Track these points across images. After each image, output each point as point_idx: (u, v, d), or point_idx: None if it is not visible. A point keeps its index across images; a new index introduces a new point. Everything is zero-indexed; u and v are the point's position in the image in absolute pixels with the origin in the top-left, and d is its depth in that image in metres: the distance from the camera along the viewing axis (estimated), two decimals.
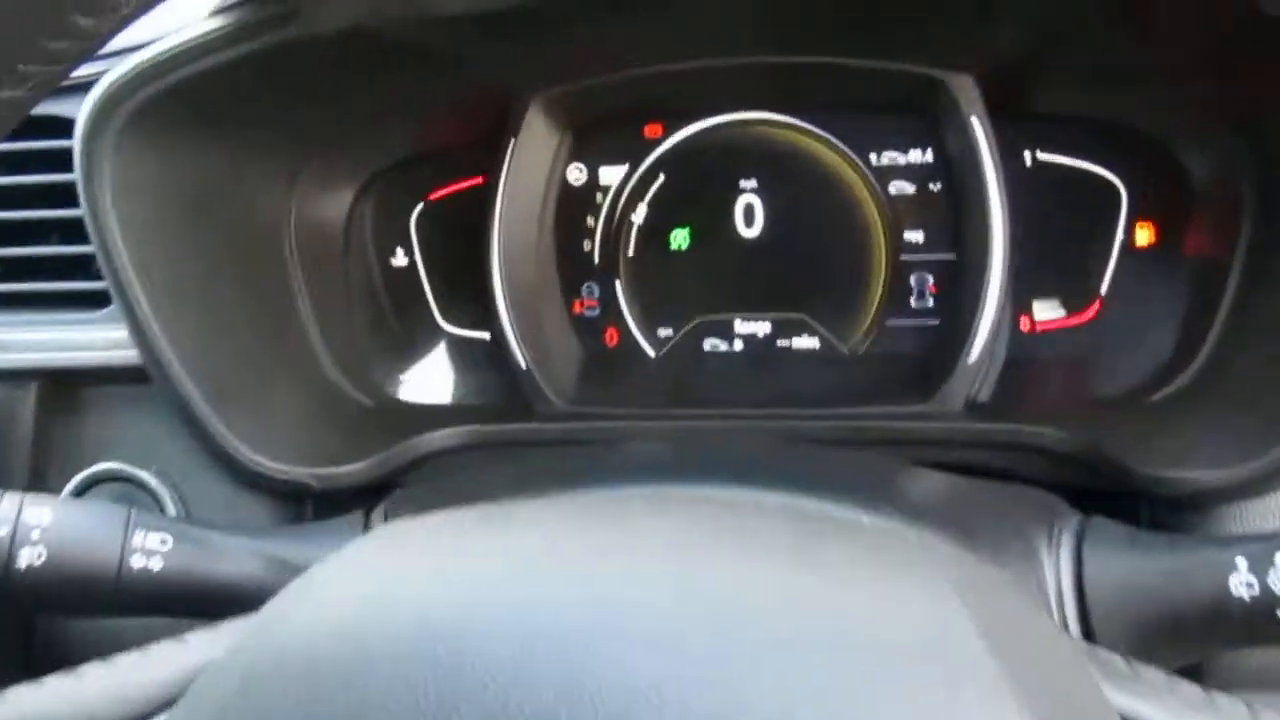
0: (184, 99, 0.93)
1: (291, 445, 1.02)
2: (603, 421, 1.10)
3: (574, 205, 1.21)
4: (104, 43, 0.53)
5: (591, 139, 1.19)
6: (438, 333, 1.25)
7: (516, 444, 1.09)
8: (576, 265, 1.22)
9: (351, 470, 1.02)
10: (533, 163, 1.14)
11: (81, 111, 0.91)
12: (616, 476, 0.84)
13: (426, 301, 1.25)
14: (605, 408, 1.13)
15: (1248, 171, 0.96)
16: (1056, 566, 0.72)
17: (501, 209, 1.12)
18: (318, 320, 1.15)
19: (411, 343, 1.25)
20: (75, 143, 0.92)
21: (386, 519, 0.87)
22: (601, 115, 1.17)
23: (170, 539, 0.76)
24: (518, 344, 1.12)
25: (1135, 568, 0.70)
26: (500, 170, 1.12)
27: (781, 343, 1.19)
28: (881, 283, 1.16)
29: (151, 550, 0.75)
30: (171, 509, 1.01)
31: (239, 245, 1.07)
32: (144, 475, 1.02)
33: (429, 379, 1.23)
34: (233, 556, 0.78)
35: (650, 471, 0.84)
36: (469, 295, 1.22)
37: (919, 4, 0.92)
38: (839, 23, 1.00)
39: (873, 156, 1.14)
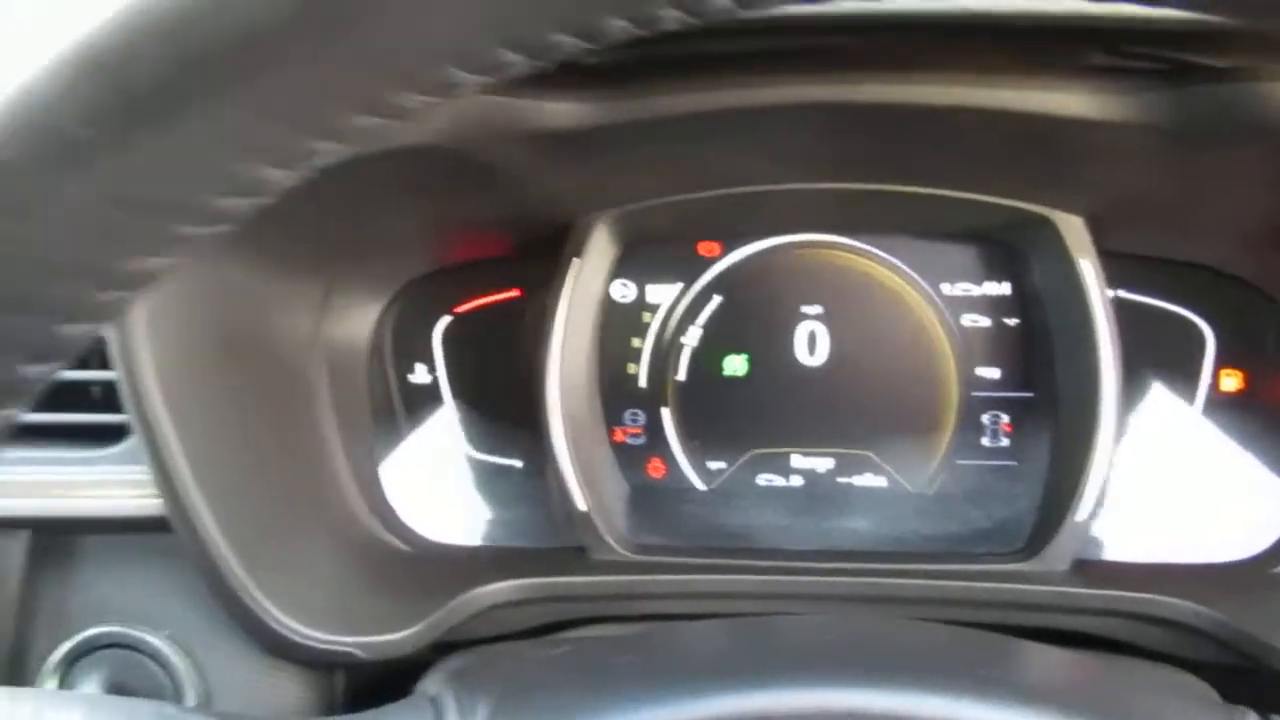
0: None
1: (330, 607, 0.89)
2: (662, 575, 1.00)
3: (619, 325, 1.11)
4: None
5: (640, 255, 1.10)
6: (462, 458, 1.13)
7: (574, 598, 0.99)
8: (619, 390, 1.13)
9: (403, 637, 0.89)
10: (590, 283, 1.05)
11: None
12: (710, 678, 0.73)
13: (448, 422, 1.14)
14: (661, 555, 1.03)
15: None
16: None
17: (560, 333, 1.02)
18: (345, 452, 1.03)
19: (434, 469, 1.13)
20: None
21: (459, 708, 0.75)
22: (655, 231, 1.09)
23: None
24: (577, 483, 1.02)
25: None
26: (557, 290, 1.02)
27: (842, 480, 1.11)
28: (952, 420, 1.09)
29: None
30: (186, 682, 0.87)
31: (269, 373, 0.95)
32: (154, 641, 0.88)
33: (457, 513, 1.12)
34: None
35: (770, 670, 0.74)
36: (497, 417, 1.12)
37: (1051, 144, 0.86)
38: (942, 155, 0.94)
39: (944, 286, 1.08)
